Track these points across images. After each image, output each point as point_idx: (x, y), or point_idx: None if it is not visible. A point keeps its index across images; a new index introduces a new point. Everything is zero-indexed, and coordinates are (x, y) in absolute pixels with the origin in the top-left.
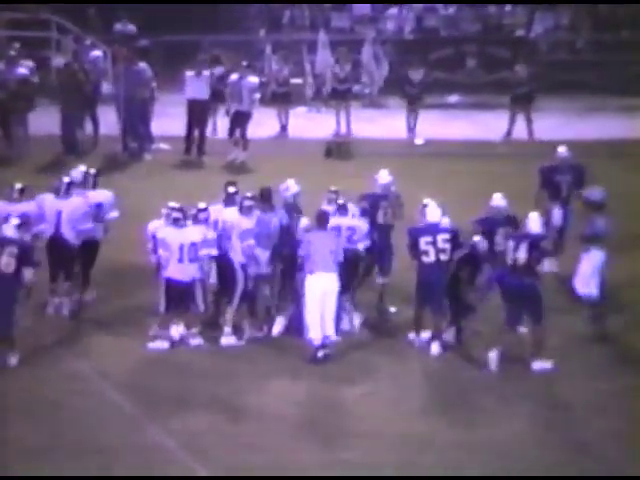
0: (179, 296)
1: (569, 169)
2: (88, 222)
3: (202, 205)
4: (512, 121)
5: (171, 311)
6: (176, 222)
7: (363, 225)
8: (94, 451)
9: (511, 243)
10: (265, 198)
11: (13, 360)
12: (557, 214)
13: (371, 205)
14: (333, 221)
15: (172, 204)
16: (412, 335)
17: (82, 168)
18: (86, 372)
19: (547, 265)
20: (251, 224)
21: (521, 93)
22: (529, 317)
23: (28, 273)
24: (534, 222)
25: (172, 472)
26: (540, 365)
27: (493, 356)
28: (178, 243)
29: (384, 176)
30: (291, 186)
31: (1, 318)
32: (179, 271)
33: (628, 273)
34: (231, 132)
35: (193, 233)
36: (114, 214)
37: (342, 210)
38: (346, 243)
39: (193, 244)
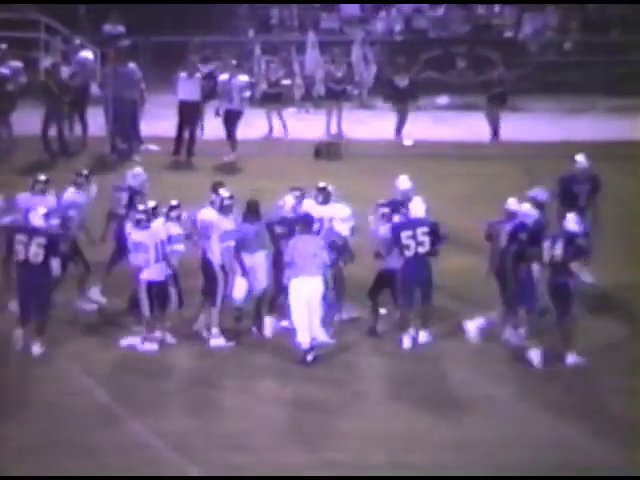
0: (159, 296)
1: (588, 179)
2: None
3: (174, 202)
4: (491, 123)
5: (155, 312)
6: (138, 224)
7: (344, 211)
8: (83, 451)
9: (547, 242)
10: (251, 210)
11: (36, 349)
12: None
13: (391, 212)
14: (314, 211)
15: (141, 206)
16: (403, 334)
17: (138, 168)
18: (75, 373)
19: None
20: (231, 225)
21: (496, 93)
22: (558, 314)
23: (55, 263)
24: (571, 221)
25: (161, 472)
26: (573, 359)
27: (536, 354)
28: (152, 243)
29: (404, 182)
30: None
31: (33, 306)
32: (156, 271)
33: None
34: (224, 132)
35: (160, 231)
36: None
37: (324, 197)
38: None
39: (162, 242)
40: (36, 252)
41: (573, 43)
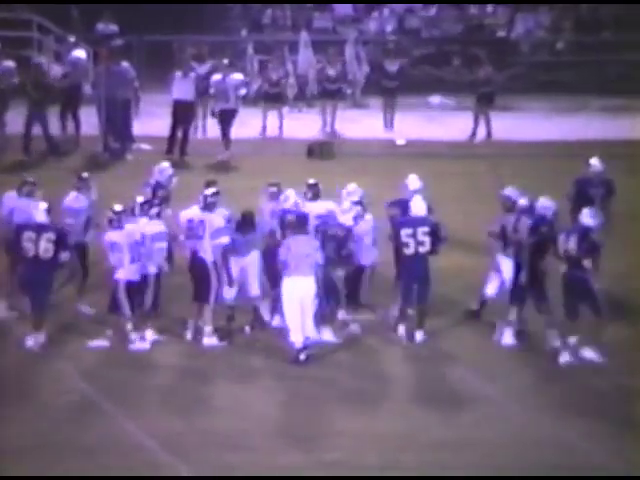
0: (137, 295)
1: (602, 183)
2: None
3: (155, 201)
4: (476, 121)
5: (136, 311)
6: (110, 224)
7: (336, 207)
8: (77, 451)
9: (562, 236)
10: (247, 221)
11: (34, 341)
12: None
13: (402, 212)
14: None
15: (117, 206)
16: (400, 329)
17: (164, 163)
18: (69, 373)
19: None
20: (221, 221)
21: (484, 93)
22: (589, 310)
23: (64, 257)
24: (586, 216)
25: (155, 472)
26: (589, 354)
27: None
28: (127, 243)
29: (414, 181)
30: (355, 190)
31: (39, 301)
32: (132, 271)
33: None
34: (219, 131)
35: (135, 231)
36: None
37: (313, 194)
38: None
39: (137, 242)
40: (46, 247)
41: (565, 43)
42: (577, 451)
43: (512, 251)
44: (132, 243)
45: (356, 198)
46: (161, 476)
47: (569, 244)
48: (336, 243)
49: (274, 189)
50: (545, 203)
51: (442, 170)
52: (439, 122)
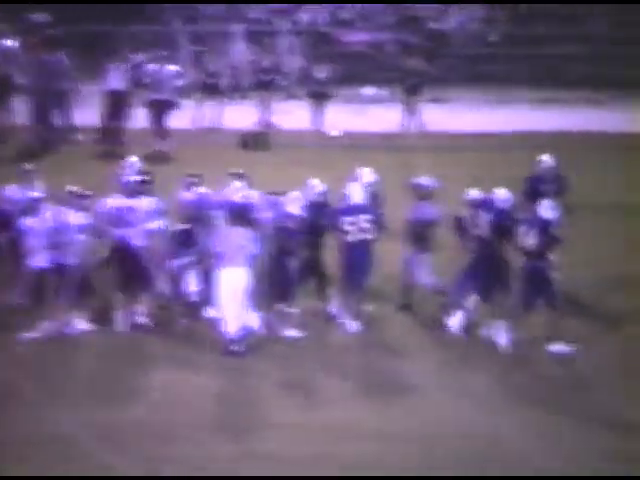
0: (53, 284)
1: (554, 179)
2: None
3: (85, 192)
4: (405, 113)
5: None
6: (32, 212)
7: (257, 196)
8: (5, 444)
9: (522, 228)
10: (189, 234)
11: None
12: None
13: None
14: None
15: (35, 194)
16: (341, 318)
17: (133, 158)
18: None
19: None
20: (152, 206)
21: (411, 83)
22: (545, 302)
23: (3, 238)
24: (545, 208)
25: (87, 465)
26: (558, 348)
27: (506, 339)
28: (41, 230)
29: (368, 175)
30: (316, 185)
31: None
32: (45, 258)
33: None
34: (152, 122)
35: (50, 219)
36: None
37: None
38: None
39: (53, 229)
40: None
41: (499, 35)
42: (506, 442)
43: (472, 245)
44: (46, 230)
45: (315, 192)
46: (154, 476)
47: (529, 237)
48: (286, 234)
49: (192, 179)
50: (503, 196)
51: (376, 161)
52: (373, 113)
